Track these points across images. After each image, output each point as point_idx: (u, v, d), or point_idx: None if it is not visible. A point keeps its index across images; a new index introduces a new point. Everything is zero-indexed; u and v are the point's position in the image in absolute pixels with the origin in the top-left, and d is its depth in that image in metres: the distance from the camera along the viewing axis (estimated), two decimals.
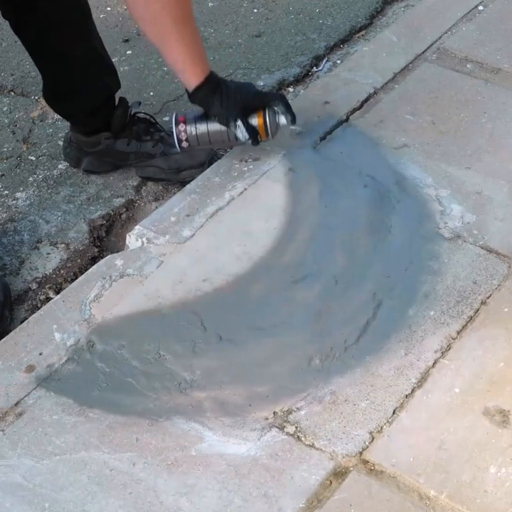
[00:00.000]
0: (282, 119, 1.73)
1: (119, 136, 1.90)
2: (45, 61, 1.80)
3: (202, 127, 1.74)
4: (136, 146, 1.91)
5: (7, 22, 1.73)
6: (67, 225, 1.86)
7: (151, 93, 2.23)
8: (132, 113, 1.91)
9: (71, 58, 1.76)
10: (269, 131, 1.73)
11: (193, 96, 1.70)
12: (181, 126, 1.73)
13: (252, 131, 1.72)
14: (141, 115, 1.94)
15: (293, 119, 1.74)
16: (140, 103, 1.95)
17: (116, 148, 1.92)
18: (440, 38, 2.16)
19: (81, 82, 1.80)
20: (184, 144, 1.74)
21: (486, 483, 1.26)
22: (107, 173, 1.97)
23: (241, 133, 1.71)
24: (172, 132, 1.75)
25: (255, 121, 1.72)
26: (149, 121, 1.94)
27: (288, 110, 1.74)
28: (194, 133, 1.74)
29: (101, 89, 1.85)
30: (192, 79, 1.68)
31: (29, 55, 1.81)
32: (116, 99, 1.89)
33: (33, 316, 1.54)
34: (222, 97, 1.69)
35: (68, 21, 1.72)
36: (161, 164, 1.92)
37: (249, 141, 1.72)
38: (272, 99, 1.75)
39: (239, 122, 1.70)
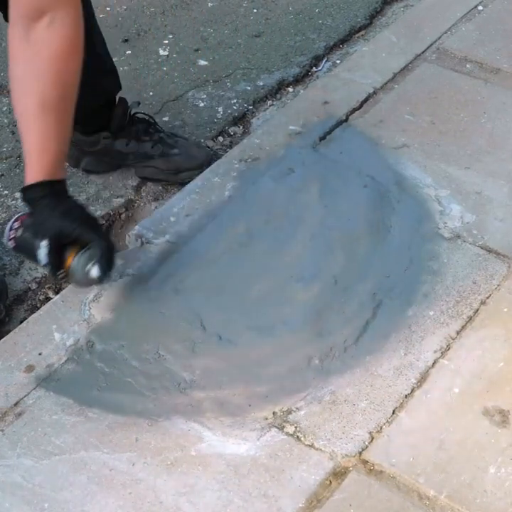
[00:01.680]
0: (93, 271, 1.44)
1: (118, 136, 1.90)
2: None
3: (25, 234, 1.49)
4: (135, 147, 1.90)
5: (7, 23, 1.73)
6: None
7: (151, 93, 2.23)
8: (132, 113, 1.91)
9: None
10: (74, 276, 1.46)
11: (25, 190, 1.46)
12: (16, 224, 1.51)
13: (54, 260, 1.44)
14: (141, 116, 1.94)
15: (104, 273, 1.45)
16: (139, 103, 1.94)
17: (115, 148, 1.91)
18: (440, 38, 2.16)
19: (80, 84, 1.80)
20: (11, 243, 1.52)
21: (485, 483, 1.26)
22: (106, 172, 1.97)
23: (41, 255, 1.43)
24: (6, 225, 1.54)
25: (67, 255, 1.45)
26: (148, 122, 1.93)
27: (103, 259, 1.44)
28: (18, 236, 1.50)
29: (101, 91, 1.84)
30: (30, 172, 1.45)
31: None
32: (116, 99, 1.89)
33: (33, 316, 1.54)
34: (46, 208, 1.44)
35: None
36: (160, 165, 1.91)
37: (47, 269, 1.48)
38: (92, 240, 1.45)
39: (44, 243, 1.43)
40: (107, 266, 1.45)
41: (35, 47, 1.39)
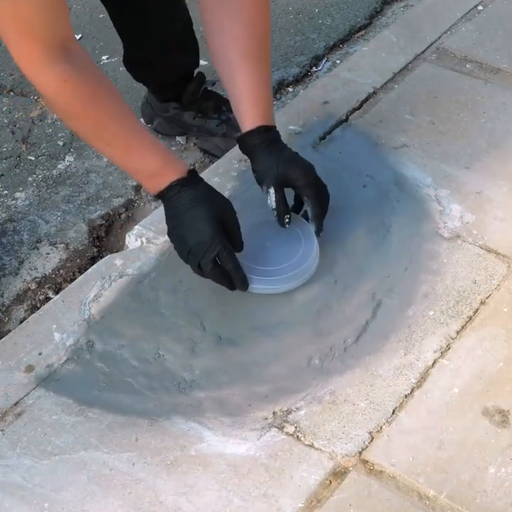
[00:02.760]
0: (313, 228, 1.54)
1: (187, 109, 1.99)
2: (127, 28, 1.87)
3: None
4: (201, 122, 2.00)
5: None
6: (67, 225, 1.86)
7: None
8: (206, 89, 1.99)
9: (151, 31, 1.81)
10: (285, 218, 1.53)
11: (242, 138, 1.51)
12: None
13: (283, 205, 1.51)
14: (216, 93, 2.01)
15: (318, 230, 1.54)
16: (214, 83, 1.99)
17: (182, 119, 2.01)
18: (439, 38, 2.16)
19: (157, 56, 1.88)
20: None
21: (485, 483, 1.26)
22: (172, 137, 2.06)
23: (270, 200, 1.52)
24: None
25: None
26: (222, 100, 1.99)
27: (318, 220, 1.53)
28: None
29: (176, 66, 1.93)
30: (246, 121, 1.50)
31: (111, 20, 1.86)
32: (195, 73, 1.97)
33: (33, 316, 1.54)
34: (269, 155, 1.50)
35: None
36: (220, 144, 1.98)
37: (274, 215, 1.53)
38: (312, 197, 1.52)
39: (271, 190, 1.50)
40: (319, 224, 1.53)
41: (226, 4, 1.45)
